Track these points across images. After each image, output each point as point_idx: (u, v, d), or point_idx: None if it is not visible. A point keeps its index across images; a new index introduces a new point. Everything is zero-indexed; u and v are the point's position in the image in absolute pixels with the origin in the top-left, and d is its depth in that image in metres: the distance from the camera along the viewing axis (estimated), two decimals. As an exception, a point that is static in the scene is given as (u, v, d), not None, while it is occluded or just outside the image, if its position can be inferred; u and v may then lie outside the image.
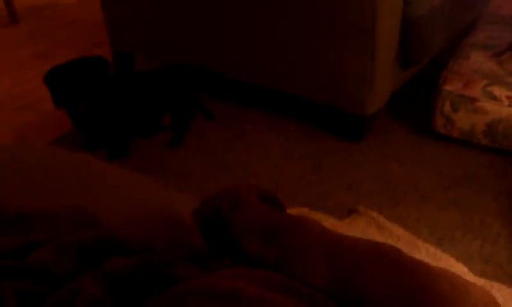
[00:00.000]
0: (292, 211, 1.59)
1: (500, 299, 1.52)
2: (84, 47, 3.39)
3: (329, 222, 1.83)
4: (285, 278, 0.80)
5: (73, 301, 0.73)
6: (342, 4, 2.17)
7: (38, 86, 2.99)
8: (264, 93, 2.74)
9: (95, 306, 0.73)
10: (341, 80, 2.33)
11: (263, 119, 2.68)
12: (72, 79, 2.26)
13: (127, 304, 0.76)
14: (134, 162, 2.41)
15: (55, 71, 2.30)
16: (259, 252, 1.02)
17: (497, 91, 2.26)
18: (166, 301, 0.71)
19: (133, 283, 0.79)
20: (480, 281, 1.64)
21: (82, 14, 4.13)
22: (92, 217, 1.05)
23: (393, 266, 1.01)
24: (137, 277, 0.80)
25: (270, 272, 0.82)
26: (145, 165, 2.39)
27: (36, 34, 3.82)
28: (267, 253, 1.02)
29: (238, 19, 2.49)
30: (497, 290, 1.60)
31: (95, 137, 2.50)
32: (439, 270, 1.05)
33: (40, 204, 1.11)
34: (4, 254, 0.85)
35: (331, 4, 2.20)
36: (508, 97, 2.23)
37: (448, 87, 2.35)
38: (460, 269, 1.69)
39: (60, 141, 2.51)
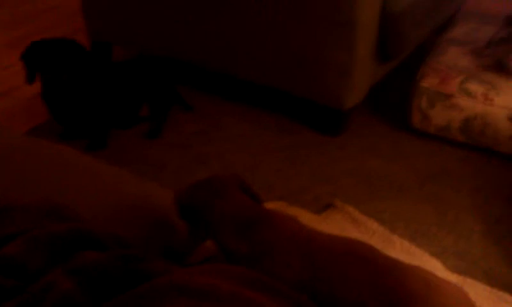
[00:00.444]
0: (269, 205, 1.59)
1: (473, 295, 1.54)
2: (64, 34, 3.34)
3: (306, 216, 1.84)
4: (260, 274, 0.80)
5: (44, 296, 0.72)
6: (322, -2, 2.17)
7: (13, 74, 2.95)
8: (242, 85, 2.74)
9: (67, 302, 0.72)
10: (319, 74, 2.33)
11: (241, 111, 2.67)
12: (52, 54, 2.23)
13: (99, 299, 0.75)
14: (110, 154, 2.39)
15: (33, 47, 2.26)
16: (233, 245, 1.03)
17: (473, 87, 2.28)
18: (137, 297, 0.71)
19: (105, 278, 0.79)
20: (453, 277, 1.67)
21: (62, 1, 4.07)
22: (66, 210, 1.03)
23: (366, 264, 1.02)
24: (109, 272, 0.80)
25: (244, 268, 0.83)
26: (122, 157, 2.37)
27: (15, 20, 3.76)
28: (241, 246, 1.02)
29: (217, 10, 2.48)
30: (470, 286, 1.62)
31: (71, 127, 2.47)
32: (412, 268, 1.06)
33: (13, 194, 1.10)
34: (-26, 247, 0.84)
35: (310, -3, 2.20)
36: (483, 94, 2.26)
37: (424, 83, 2.36)
38: (434, 264, 1.71)
39: (35, 131, 2.48)
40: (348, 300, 0.97)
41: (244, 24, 2.42)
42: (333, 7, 2.15)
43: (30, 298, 0.73)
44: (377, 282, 0.98)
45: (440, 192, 2.14)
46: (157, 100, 2.56)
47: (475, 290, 1.62)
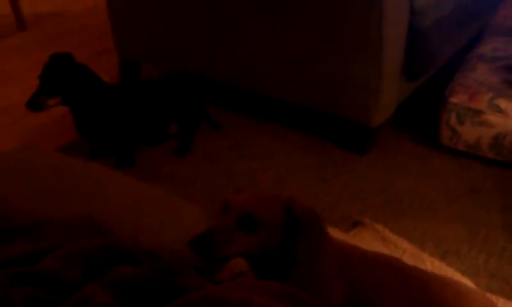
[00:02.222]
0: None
1: (505, 314, 1.52)
2: (92, 54, 3.41)
3: (334, 235, 1.83)
4: (294, 290, 0.80)
5: (82, 309, 0.73)
6: (348, 16, 2.18)
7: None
8: (270, 103, 2.75)
9: (104, 314, 0.73)
10: (347, 91, 2.33)
11: (268, 129, 2.68)
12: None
13: (135, 313, 0.76)
14: (140, 170, 2.41)
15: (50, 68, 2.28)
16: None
17: (503, 103, 2.26)
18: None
19: (141, 291, 0.80)
20: (491, 298, 1.64)
21: (90, 21, 4.15)
22: (100, 225, 1.05)
23: (399, 275, 1.05)
24: (145, 286, 0.80)
25: (276, 282, 0.83)
26: (151, 174, 2.39)
27: (44, 41, 3.84)
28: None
29: (246, 29, 2.50)
30: (503, 305, 1.60)
31: (99, 145, 2.50)
32: (443, 278, 1.08)
33: (49, 209, 1.12)
34: (14, 261, 0.85)
35: (337, 15, 2.20)
36: (514, 111, 2.23)
37: (454, 100, 2.35)
38: (466, 283, 1.68)
39: (65, 149, 2.52)
40: None
41: (273, 42, 2.44)
42: (361, 24, 2.16)
43: (68, 310, 0.74)
44: (410, 291, 1.02)
45: (470, 210, 2.11)
46: (185, 118, 2.58)
47: (508, 309, 1.59)
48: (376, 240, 1.86)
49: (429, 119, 2.54)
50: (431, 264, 1.76)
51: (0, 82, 3.28)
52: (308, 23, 2.29)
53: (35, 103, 2.21)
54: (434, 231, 2.00)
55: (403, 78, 2.40)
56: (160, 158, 2.50)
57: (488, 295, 1.63)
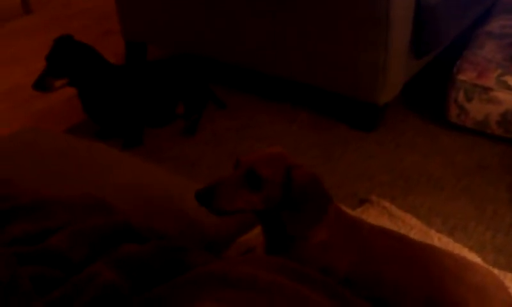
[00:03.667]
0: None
1: (513, 289, 1.52)
2: (97, 35, 3.40)
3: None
4: (298, 265, 0.81)
5: (87, 286, 0.74)
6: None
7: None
8: (276, 82, 2.73)
9: (110, 291, 0.74)
10: (355, 70, 2.32)
11: (274, 109, 2.67)
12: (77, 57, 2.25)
13: (141, 289, 0.76)
14: (146, 151, 2.41)
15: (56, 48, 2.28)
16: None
17: (511, 80, 2.24)
18: (178, 287, 0.72)
19: (147, 268, 0.80)
20: (493, 271, 1.64)
21: (94, 3, 4.14)
22: (105, 204, 1.05)
23: (404, 245, 1.08)
24: (151, 263, 0.81)
25: (284, 259, 0.83)
26: (158, 154, 2.39)
27: (49, 23, 3.83)
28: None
29: (252, 9, 2.48)
30: (510, 281, 1.60)
31: (106, 126, 2.51)
32: (445, 250, 1.12)
33: (54, 190, 1.12)
34: (20, 240, 0.86)
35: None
36: (523, 87, 2.22)
37: (462, 77, 2.33)
38: (473, 259, 1.68)
39: (73, 130, 2.52)
40: (390, 277, 1.03)
41: (279, 22, 2.42)
42: (368, 3, 2.14)
43: (74, 287, 0.74)
44: (412, 259, 1.05)
45: (478, 187, 2.10)
46: (191, 98, 2.58)
47: (516, 285, 1.59)
48: (383, 217, 1.86)
49: (437, 97, 2.53)
50: (439, 240, 1.76)
51: (6, 64, 3.28)
52: (316, 3, 2.27)
53: (42, 84, 2.21)
54: (441, 208, 1.99)
55: (411, 56, 2.38)
56: (167, 139, 2.50)
57: (496, 270, 1.63)
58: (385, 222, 1.82)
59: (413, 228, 1.80)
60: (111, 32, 3.38)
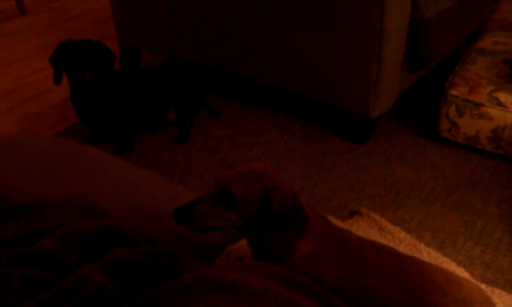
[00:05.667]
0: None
1: (500, 305, 1.53)
2: (92, 39, 3.40)
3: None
4: (290, 272, 0.81)
5: (79, 288, 0.74)
6: (350, 7, 2.17)
7: (44, 78, 3.00)
8: (269, 92, 2.74)
9: (101, 294, 0.73)
10: (347, 82, 2.33)
11: (267, 118, 2.68)
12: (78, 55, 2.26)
13: (132, 293, 0.76)
14: (139, 157, 2.41)
15: (60, 48, 2.29)
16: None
17: (503, 97, 2.26)
18: (169, 291, 0.72)
19: (138, 272, 0.80)
20: (480, 286, 1.64)
21: (90, 7, 4.14)
22: (97, 207, 1.05)
23: (392, 256, 1.08)
24: (141, 267, 0.81)
25: (276, 265, 0.83)
26: (150, 160, 2.39)
27: (44, 26, 3.83)
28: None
29: (246, 18, 2.49)
30: (498, 296, 1.60)
31: (98, 130, 2.50)
32: (434, 265, 1.13)
33: (45, 192, 1.12)
34: (12, 241, 0.85)
35: (338, 6, 2.20)
36: (514, 104, 2.23)
37: (454, 92, 2.35)
38: (461, 274, 1.69)
39: (64, 133, 2.52)
40: (378, 291, 1.04)
41: (272, 32, 2.43)
42: (362, 16, 2.15)
43: (65, 289, 0.74)
44: (401, 273, 1.07)
45: (468, 201, 2.11)
46: (183, 106, 2.58)
47: (503, 300, 1.60)
48: (372, 229, 1.86)
49: (429, 111, 2.54)
50: (428, 254, 1.77)
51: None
52: (309, 14, 2.29)
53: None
54: (431, 222, 2.00)
55: (404, 70, 2.39)
56: (159, 145, 2.50)
57: (483, 286, 1.64)
58: (375, 235, 1.82)
59: (402, 241, 1.80)
60: (107, 37, 3.38)
